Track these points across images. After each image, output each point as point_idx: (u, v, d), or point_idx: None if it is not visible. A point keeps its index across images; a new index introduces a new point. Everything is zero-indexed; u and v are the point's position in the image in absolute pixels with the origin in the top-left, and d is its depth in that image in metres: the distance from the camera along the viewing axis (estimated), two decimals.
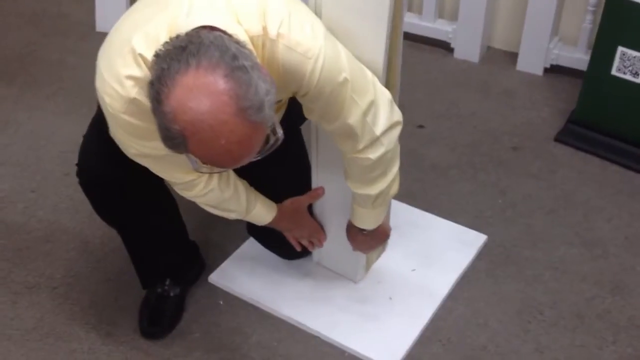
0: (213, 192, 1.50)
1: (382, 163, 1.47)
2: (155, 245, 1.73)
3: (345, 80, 1.30)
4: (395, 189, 1.57)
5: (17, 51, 2.80)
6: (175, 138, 1.09)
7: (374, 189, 1.52)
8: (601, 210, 2.06)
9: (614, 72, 2.15)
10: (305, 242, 1.78)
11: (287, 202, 1.68)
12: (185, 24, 1.17)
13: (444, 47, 2.73)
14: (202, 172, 1.23)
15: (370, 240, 1.71)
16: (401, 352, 1.69)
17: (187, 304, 1.82)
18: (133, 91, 1.23)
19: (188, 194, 1.51)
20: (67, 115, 2.47)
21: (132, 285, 1.83)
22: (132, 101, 1.24)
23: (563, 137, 2.31)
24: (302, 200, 1.71)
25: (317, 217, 1.78)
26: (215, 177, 1.48)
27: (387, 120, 1.41)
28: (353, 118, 1.35)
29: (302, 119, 1.52)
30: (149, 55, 1.18)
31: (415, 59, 2.69)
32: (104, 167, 1.52)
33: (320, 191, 1.71)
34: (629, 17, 2.06)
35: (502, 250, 1.95)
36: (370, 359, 1.68)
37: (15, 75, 2.67)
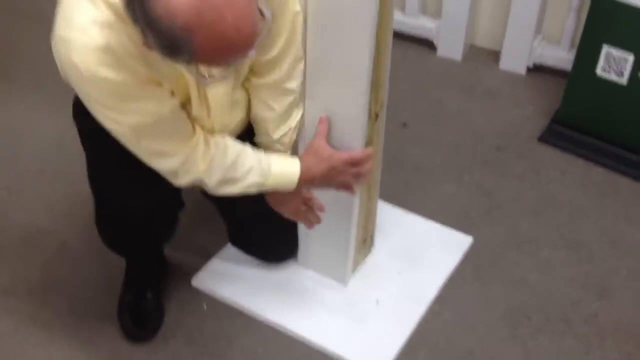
0: (216, 158, 1.40)
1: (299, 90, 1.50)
2: (151, 264, 1.74)
3: None
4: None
5: None
6: (179, 38, 1.03)
7: (294, 120, 1.52)
8: (586, 211, 2.06)
9: (598, 71, 2.14)
10: (358, 179, 1.55)
11: (306, 150, 1.53)
12: None
13: (427, 44, 2.70)
14: (213, 81, 1.20)
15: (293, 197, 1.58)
16: (389, 357, 1.66)
17: (170, 308, 1.78)
18: (101, 37, 1.17)
19: (192, 175, 1.40)
20: (42, 112, 2.39)
21: (112, 288, 1.78)
22: (104, 49, 1.18)
23: (547, 137, 2.30)
24: (317, 139, 1.51)
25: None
26: (212, 141, 1.41)
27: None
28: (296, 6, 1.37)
29: None
30: None
31: (397, 56, 2.63)
32: (131, 197, 1.47)
33: (325, 119, 1.52)
34: (615, 15, 2.05)
35: (488, 252, 1.94)
36: None
37: None
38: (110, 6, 1.16)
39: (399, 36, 2.71)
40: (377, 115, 1.59)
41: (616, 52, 2.09)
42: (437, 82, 2.58)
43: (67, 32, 1.18)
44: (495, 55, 2.64)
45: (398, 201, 2.06)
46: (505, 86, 2.55)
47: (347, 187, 1.56)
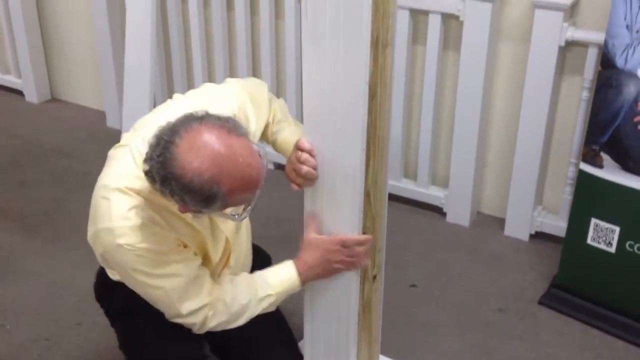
0: (220, 297, 1.57)
1: None
2: None
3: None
4: None
5: (44, 206, 3.04)
6: (211, 188, 1.30)
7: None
8: None
9: (589, 241, 2.33)
10: (354, 260, 1.63)
11: (299, 248, 1.65)
12: (142, 139, 1.38)
13: (437, 211, 2.94)
14: (244, 215, 1.43)
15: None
16: None
17: None
18: (138, 218, 1.43)
19: (211, 322, 1.57)
20: (84, 267, 2.64)
21: None
22: (142, 227, 1.43)
23: (546, 301, 2.45)
24: (307, 233, 1.64)
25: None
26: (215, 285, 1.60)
27: None
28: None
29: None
30: (131, 184, 1.41)
31: (410, 221, 2.90)
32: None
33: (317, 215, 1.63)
34: (600, 191, 2.26)
35: None
36: None
37: (40, 228, 2.89)
38: (139, 192, 1.44)
39: (411, 203, 2.97)
40: (374, 277, 1.79)
41: (604, 224, 2.28)
42: (445, 246, 2.78)
43: (109, 223, 1.44)
44: (500, 222, 2.86)
45: (403, 357, 2.19)
46: (509, 251, 2.74)
47: (346, 266, 1.63)
